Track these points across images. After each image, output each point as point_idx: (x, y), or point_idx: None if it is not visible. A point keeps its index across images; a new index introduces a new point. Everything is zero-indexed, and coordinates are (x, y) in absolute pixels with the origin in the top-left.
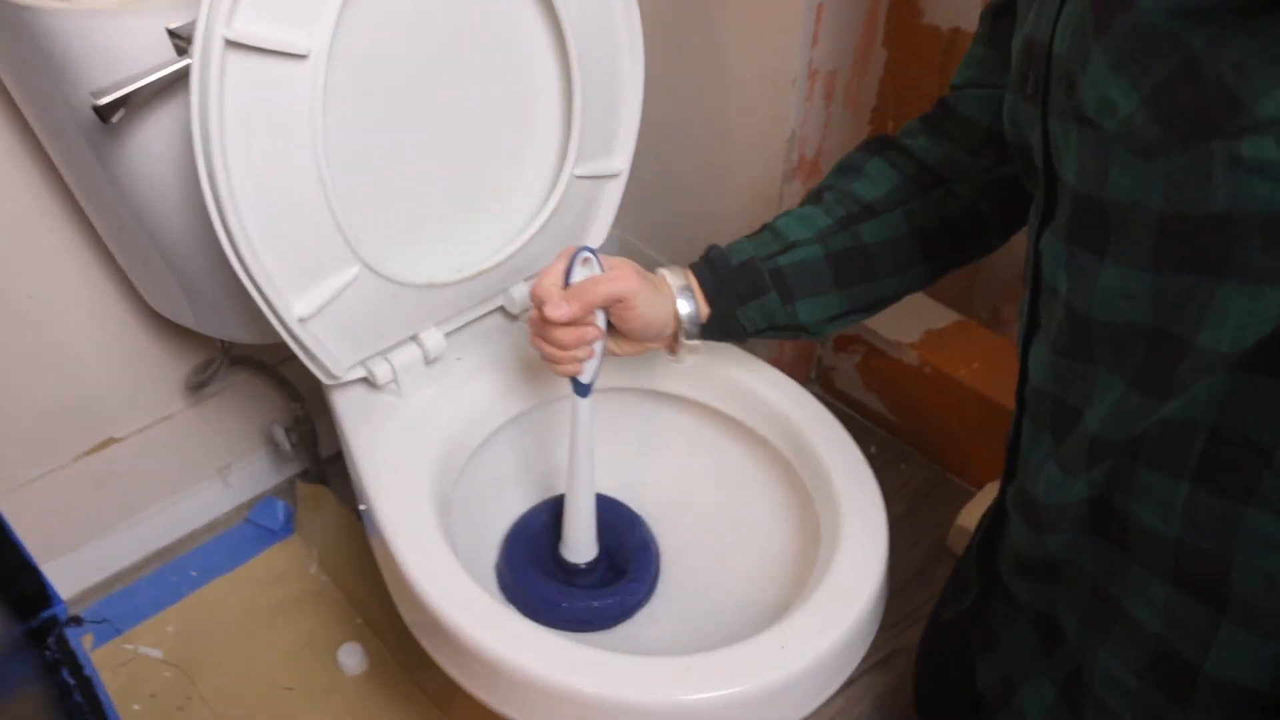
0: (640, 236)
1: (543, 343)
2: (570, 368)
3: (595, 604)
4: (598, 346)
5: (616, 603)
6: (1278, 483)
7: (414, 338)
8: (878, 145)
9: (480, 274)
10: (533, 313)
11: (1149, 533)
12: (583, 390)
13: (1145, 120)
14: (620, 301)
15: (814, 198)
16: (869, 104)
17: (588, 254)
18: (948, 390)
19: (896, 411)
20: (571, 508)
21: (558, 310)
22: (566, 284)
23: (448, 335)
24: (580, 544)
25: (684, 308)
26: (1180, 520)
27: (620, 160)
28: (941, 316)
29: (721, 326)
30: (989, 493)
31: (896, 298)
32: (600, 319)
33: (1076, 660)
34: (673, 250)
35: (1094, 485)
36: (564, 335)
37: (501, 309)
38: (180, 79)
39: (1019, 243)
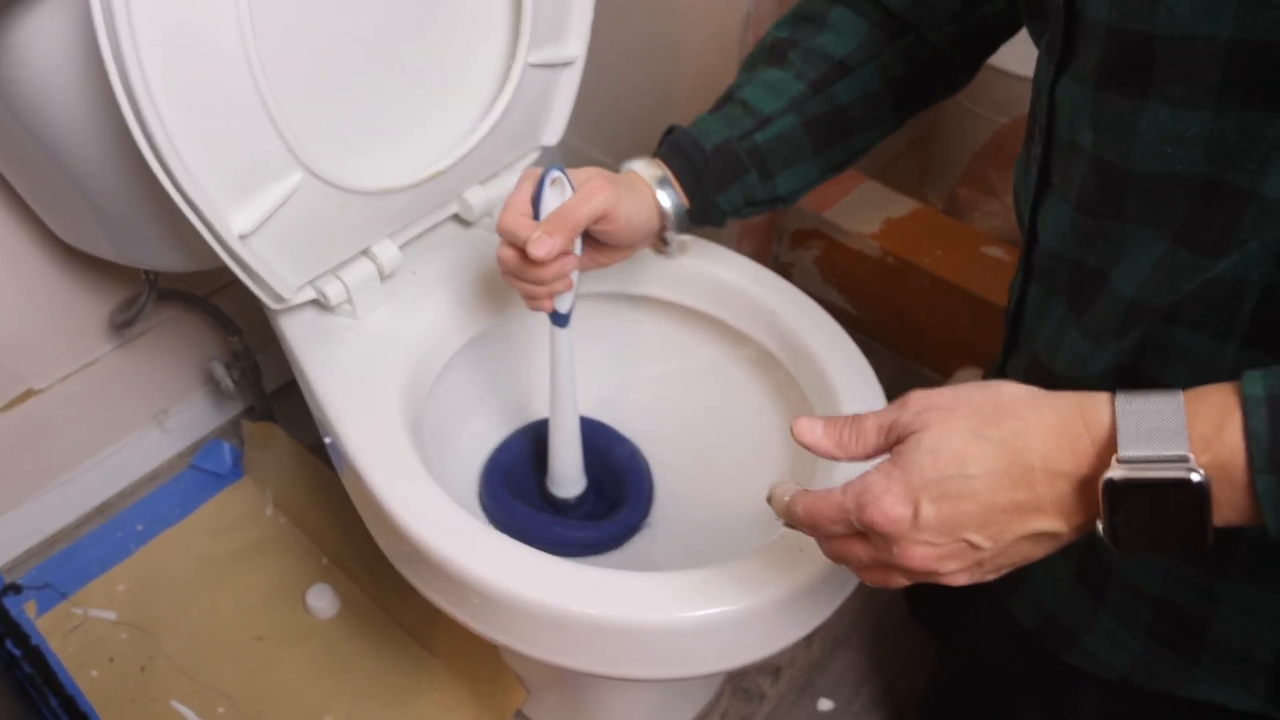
0: (583, 137)
1: (520, 282)
2: (549, 302)
3: (594, 534)
4: (574, 273)
5: (614, 528)
6: None
7: (366, 252)
8: None
9: (434, 177)
10: (501, 249)
11: None
12: (562, 320)
13: None
14: (603, 217)
15: (775, 57)
16: None
17: (556, 173)
18: (911, 279)
19: (858, 305)
20: (556, 441)
21: (542, 248)
22: (536, 211)
23: (401, 247)
24: (568, 478)
25: (666, 201)
26: None
27: (575, 46)
28: (900, 205)
29: (701, 215)
30: (960, 378)
31: (867, 150)
32: (576, 243)
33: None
34: (620, 153)
35: (1122, 354)
36: (545, 271)
37: (456, 216)
38: None
39: (971, 123)
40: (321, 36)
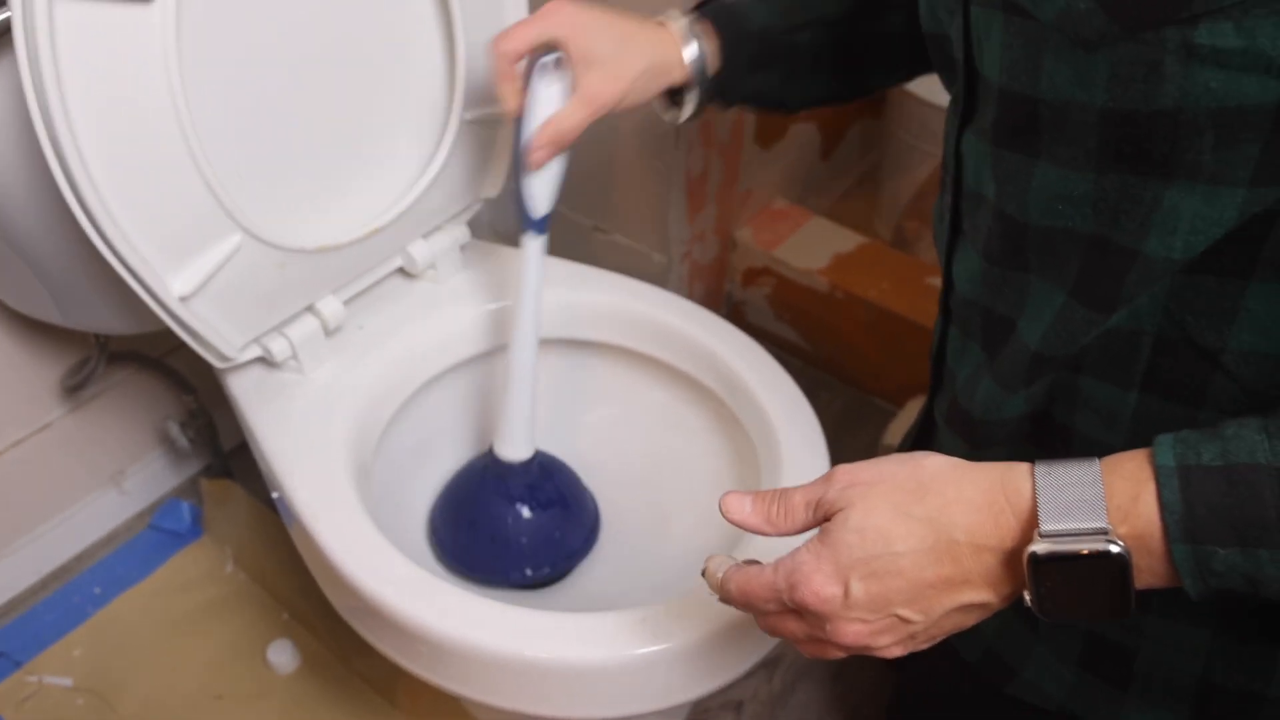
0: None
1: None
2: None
3: (538, 561)
4: (555, 166)
5: (558, 556)
6: (1229, 384)
7: (310, 308)
8: None
9: (374, 233)
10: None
11: (1093, 444)
12: (539, 225)
13: (1089, 7)
14: (559, 43)
15: None
16: None
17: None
18: (860, 312)
19: (810, 340)
20: (513, 377)
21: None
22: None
23: (346, 303)
24: (517, 431)
25: (690, 53)
26: (1128, 430)
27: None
28: (847, 240)
29: (720, 88)
30: (911, 409)
31: (868, 92)
32: (555, 105)
33: None
34: (564, 202)
35: (1034, 399)
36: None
37: (400, 270)
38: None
39: (918, 159)
40: (256, 99)
